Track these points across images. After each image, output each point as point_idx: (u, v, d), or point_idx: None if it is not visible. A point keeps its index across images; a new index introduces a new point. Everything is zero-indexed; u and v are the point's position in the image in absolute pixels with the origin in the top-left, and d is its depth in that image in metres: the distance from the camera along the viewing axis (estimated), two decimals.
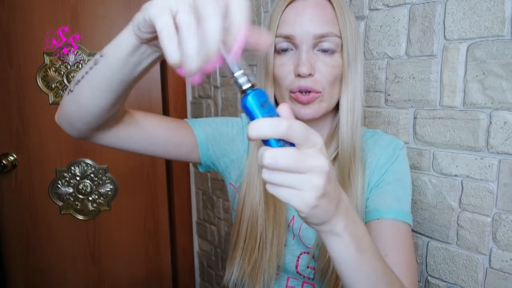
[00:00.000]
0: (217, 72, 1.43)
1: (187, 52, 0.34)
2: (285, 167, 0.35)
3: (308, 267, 0.69)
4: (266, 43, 0.37)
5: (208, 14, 0.33)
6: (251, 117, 0.36)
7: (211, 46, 0.33)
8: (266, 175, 0.36)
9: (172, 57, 0.34)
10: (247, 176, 0.70)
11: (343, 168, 0.65)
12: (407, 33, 0.79)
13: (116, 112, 0.60)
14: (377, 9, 0.84)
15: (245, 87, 0.35)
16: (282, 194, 0.36)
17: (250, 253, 0.69)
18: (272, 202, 0.67)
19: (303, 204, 0.36)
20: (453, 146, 0.74)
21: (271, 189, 0.37)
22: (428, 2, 0.74)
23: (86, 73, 0.53)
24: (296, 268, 0.69)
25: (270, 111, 0.36)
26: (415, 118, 0.80)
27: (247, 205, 0.69)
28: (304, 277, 0.70)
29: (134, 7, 1.50)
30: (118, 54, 0.48)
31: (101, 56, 0.51)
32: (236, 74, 0.35)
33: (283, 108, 0.37)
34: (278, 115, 0.37)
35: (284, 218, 0.68)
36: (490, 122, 0.68)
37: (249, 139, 0.35)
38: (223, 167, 0.79)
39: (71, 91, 0.56)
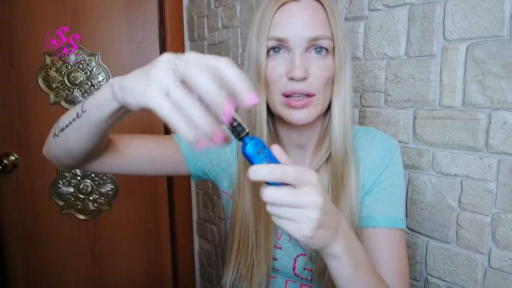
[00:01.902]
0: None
1: (196, 120, 0.36)
2: (281, 203, 0.40)
3: (305, 269, 0.68)
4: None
5: (196, 77, 0.36)
6: (251, 162, 0.42)
7: (216, 102, 0.36)
8: (269, 208, 0.42)
9: (187, 134, 0.37)
10: (237, 183, 0.71)
11: (336, 170, 0.65)
12: (406, 34, 0.79)
13: (101, 146, 0.64)
14: (377, 10, 0.84)
15: (242, 134, 0.41)
16: (283, 224, 0.42)
17: (245, 256, 0.69)
18: (262, 208, 0.67)
19: (301, 235, 0.41)
20: (452, 146, 0.74)
21: (274, 220, 0.43)
22: (427, 3, 0.75)
23: (70, 123, 0.56)
24: (294, 270, 0.69)
25: (267, 156, 0.42)
26: (414, 118, 0.80)
27: (240, 210, 0.69)
28: (302, 279, 0.70)
29: (134, 7, 1.50)
30: (100, 114, 0.51)
31: (84, 111, 0.53)
32: (234, 124, 0.40)
33: (276, 150, 0.42)
34: (274, 157, 0.43)
35: (273, 224, 0.68)
36: (490, 122, 0.68)
37: (251, 180, 0.40)
38: (215, 176, 0.80)
39: (56, 135, 0.60)
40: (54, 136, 0.61)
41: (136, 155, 0.72)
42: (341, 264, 0.48)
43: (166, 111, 0.37)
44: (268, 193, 0.40)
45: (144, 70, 0.42)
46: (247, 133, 0.41)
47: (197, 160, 0.77)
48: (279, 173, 0.39)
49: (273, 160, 0.42)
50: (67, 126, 0.57)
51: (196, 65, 0.37)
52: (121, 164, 0.71)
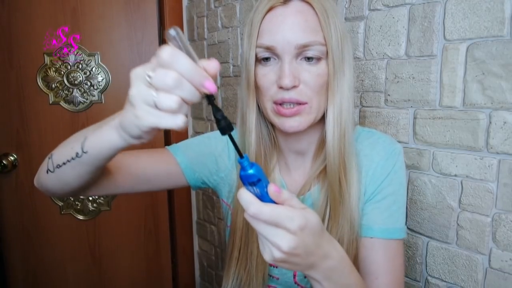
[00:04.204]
0: (218, 73, 1.43)
1: (189, 97, 0.38)
2: (257, 223, 0.43)
3: (305, 276, 0.68)
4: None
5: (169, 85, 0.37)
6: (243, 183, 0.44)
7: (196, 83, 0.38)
8: (248, 219, 0.44)
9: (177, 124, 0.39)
10: (237, 190, 0.70)
11: (332, 182, 0.63)
12: (406, 34, 0.79)
13: (100, 174, 0.63)
14: (377, 10, 0.84)
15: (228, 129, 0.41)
16: (259, 238, 0.45)
17: (245, 263, 0.68)
18: None
19: (264, 256, 0.45)
20: (452, 146, 0.74)
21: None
22: (427, 3, 0.74)
23: (68, 161, 0.55)
24: (294, 278, 0.69)
25: (258, 188, 0.43)
26: (415, 118, 0.80)
27: (240, 217, 0.68)
28: (301, 287, 0.69)
29: (134, 7, 1.50)
30: (105, 154, 0.51)
31: (85, 152, 0.52)
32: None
33: (271, 190, 0.43)
34: (266, 193, 0.43)
35: None
36: (490, 122, 0.68)
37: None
38: (214, 184, 0.80)
39: (51, 171, 0.59)
40: (47, 172, 0.59)
41: (131, 174, 0.71)
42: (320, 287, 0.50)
43: (167, 121, 0.39)
44: (253, 211, 0.42)
45: (127, 98, 0.42)
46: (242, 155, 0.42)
47: (195, 171, 0.76)
48: (252, 212, 0.41)
49: (263, 194, 0.43)
50: (64, 164, 0.56)
51: (167, 76, 0.37)
52: (117, 185, 0.70)
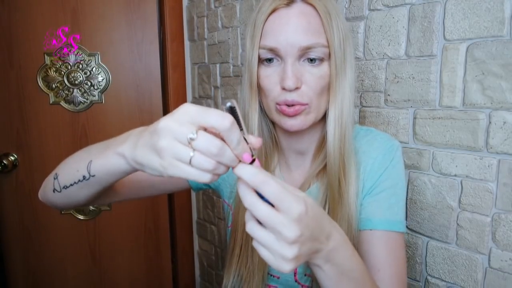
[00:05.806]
0: (218, 73, 1.43)
1: (228, 162, 0.40)
2: (258, 215, 0.40)
3: (305, 274, 0.68)
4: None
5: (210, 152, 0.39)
6: None
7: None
8: (248, 229, 0.42)
9: (221, 172, 0.41)
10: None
11: (333, 182, 0.63)
12: (406, 33, 0.79)
13: None
14: (377, 9, 0.84)
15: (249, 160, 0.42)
16: (261, 251, 0.42)
17: (245, 260, 0.68)
18: None
19: (277, 268, 0.41)
20: (452, 146, 0.74)
21: (254, 245, 0.43)
22: (427, 3, 0.75)
23: (75, 183, 0.56)
24: (295, 276, 0.69)
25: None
26: (414, 118, 0.80)
27: (242, 215, 0.68)
28: (302, 286, 0.69)
29: (134, 7, 1.50)
30: (113, 177, 0.52)
31: (92, 176, 0.53)
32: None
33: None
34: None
35: None
36: (490, 122, 0.68)
37: (234, 172, 0.41)
38: (216, 185, 0.80)
39: (58, 191, 0.60)
40: (54, 191, 0.61)
41: (135, 182, 0.72)
42: (322, 273, 0.48)
43: (195, 177, 0.39)
44: (250, 200, 0.40)
45: (148, 141, 0.42)
46: (254, 160, 0.42)
47: None
48: (260, 181, 0.39)
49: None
50: (71, 185, 0.57)
51: (209, 142, 0.38)
52: (122, 194, 0.71)
